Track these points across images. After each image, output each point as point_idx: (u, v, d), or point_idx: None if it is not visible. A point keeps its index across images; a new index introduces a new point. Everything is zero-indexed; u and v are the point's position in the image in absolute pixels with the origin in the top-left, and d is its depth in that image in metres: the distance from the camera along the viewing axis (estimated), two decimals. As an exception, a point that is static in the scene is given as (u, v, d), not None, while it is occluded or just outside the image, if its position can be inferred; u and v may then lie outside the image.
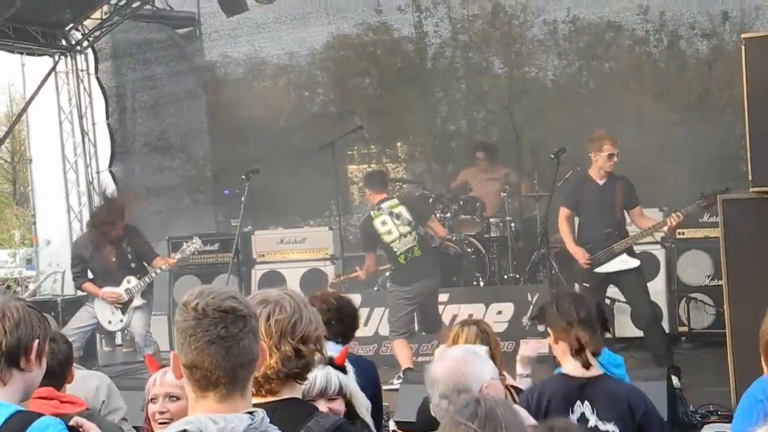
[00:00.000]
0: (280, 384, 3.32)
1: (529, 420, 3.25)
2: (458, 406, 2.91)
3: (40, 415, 3.54)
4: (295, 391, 3.37)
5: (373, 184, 10.50)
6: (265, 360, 3.01)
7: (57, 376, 4.56)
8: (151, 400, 4.34)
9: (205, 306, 2.77)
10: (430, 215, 10.74)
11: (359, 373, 4.33)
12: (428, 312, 10.45)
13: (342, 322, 5.43)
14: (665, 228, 9.61)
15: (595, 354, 4.74)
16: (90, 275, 10.55)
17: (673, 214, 9.47)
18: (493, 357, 5.21)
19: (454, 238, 11.78)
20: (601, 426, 4.44)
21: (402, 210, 10.23)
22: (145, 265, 10.44)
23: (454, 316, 11.06)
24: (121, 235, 10.33)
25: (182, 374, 2.84)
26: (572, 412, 4.50)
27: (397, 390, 9.13)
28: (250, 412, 2.79)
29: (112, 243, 10.28)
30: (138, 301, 10.35)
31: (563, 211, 9.82)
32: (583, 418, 4.48)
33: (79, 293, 12.40)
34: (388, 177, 12.00)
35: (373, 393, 5.22)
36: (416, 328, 10.45)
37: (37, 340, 3.60)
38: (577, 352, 4.69)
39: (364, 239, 10.49)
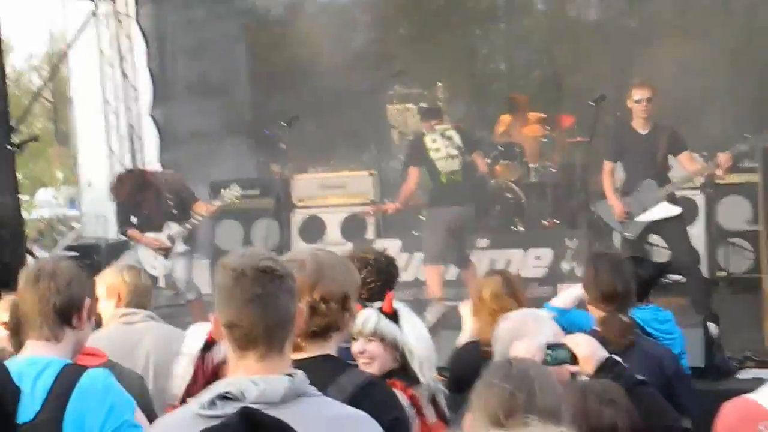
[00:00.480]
0: (307, 341, 3.38)
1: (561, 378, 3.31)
2: (491, 368, 2.97)
3: (87, 367, 3.67)
4: (327, 348, 3.43)
5: (428, 114, 10.84)
6: (302, 320, 3.09)
7: None
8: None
9: (244, 266, 2.87)
10: (476, 148, 10.80)
11: None
12: (457, 243, 10.53)
13: (379, 276, 5.42)
14: (718, 170, 9.44)
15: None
16: (133, 220, 10.59)
17: (720, 154, 9.33)
18: (520, 304, 5.31)
19: (493, 183, 11.81)
20: None
21: (454, 134, 10.48)
22: (187, 211, 10.45)
23: (493, 261, 11.12)
24: (160, 183, 10.35)
25: (222, 335, 2.93)
26: None
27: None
28: (290, 375, 2.87)
29: (151, 190, 10.31)
30: (180, 247, 10.40)
31: (606, 165, 9.77)
32: None
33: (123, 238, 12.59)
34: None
35: None
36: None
37: (88, 299, 3.73)
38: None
39: (411, 152, 10.74)
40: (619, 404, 2.96)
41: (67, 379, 3.59)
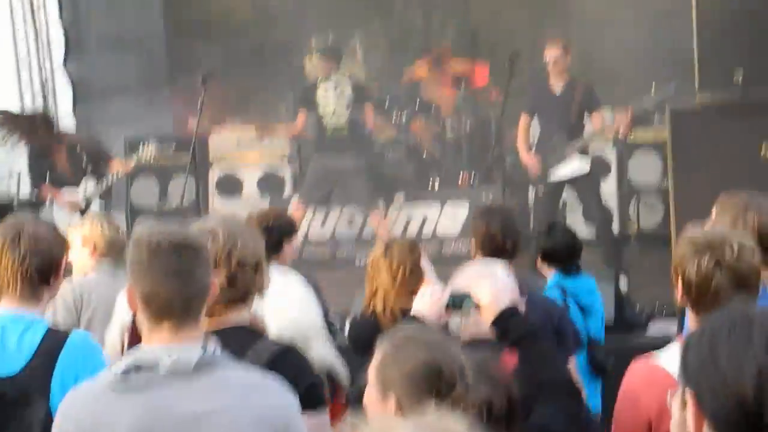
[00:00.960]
0: (225, 310, 3.46)
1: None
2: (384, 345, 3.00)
3: (67, 333, 3.76)
4: (242, 317, 3.51)
5: (327, 54, 10.98)
6: (215, 291, 3.14)
7: None
8: None
9: (160, 240, 2.93)
10: (369, 102, 10.97)
11: None
12: (351, 191, 10.81)
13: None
14: (620, 126, 9.63)
15: None
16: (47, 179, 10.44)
17: (620, 113, 9.55)
18: (393, 274, 5.35)
19: (409, 139, 11.88)
20: None
21: (347, 87, 10.65)
22: (102, 168, 10.32)
23: (409, 218, 11.23)
24: (74, 140, 10.23)
25: (137, 306, 2.97)
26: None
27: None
28: (203, 344, 2.94)
29: (64, 147, 10.17)
30: (96, 206, 10.30)
31: (523, 119, 9.91)
32: None
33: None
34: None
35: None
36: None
37: (64, 258, 3.83)
38: None
39: (302, 97, 11.02)
40: (495, 380, 3.00)
41: (55, 337, 3.71)
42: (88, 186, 10.19)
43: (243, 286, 3.48)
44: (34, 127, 10.17)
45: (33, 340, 3.65)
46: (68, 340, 3.69)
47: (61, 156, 10.14)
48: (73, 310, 5.63)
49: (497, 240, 5.14)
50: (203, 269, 2.98)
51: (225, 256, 3.43)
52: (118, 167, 10.28)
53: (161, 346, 2.92)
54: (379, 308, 5.27)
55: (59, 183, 10.25)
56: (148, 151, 10.31)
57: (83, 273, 5.85)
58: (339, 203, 11.09)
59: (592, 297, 6.04)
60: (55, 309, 5.52)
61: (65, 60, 14.62)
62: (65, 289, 5.50)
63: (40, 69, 14.37)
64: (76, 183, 10.21)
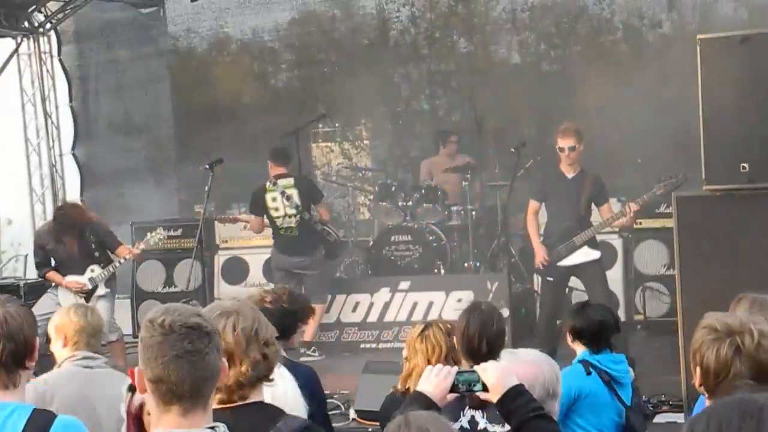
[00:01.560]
0: (250, 389, 3.46)
1: None
2: (389, 426, 2.98)
3: (54, 414, 3.68)
4: (261, 394, 3.51)
5: (276, 157, 11.20)
6: (226, 375, 3.13)
7: None
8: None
9: (172, 322, 2.89)
10: (319, 199, 11.33)
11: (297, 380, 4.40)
12: (311, 285, 10.96)
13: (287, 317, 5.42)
14: (624, 219, 9.68)
15: None
16: (53, 263, 10.48)
17: (629, 203, 9.59)
18: (429, 357, 5.33)
19: (415, 226, 11.91)
20: (490, 428, 4.53)
21: (294, 194, 11.02)
22: (109, 253, 10.38)
23: (415, 304, 11.22)
24: (84, 226, 10.26)
25: (146, 389, 2.94)
26: (462, 417, 4.56)
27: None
28: (212, 427, 2.90)
29: (74, 233, 10.22)
30: (102, 290, 10.29)
31: (532, 205, 9.92)
32: (473, 422, 4.55)
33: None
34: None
35: (316, 400, 5.31)
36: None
37: (37, 338, 3.74)
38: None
39: (253, 204, 11.26)
40: None
41: (39, 423, 3.59)
42: (95, 271, 10.20)
43: (269, 364, 3.50)
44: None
45: (17, 425, 3.55)
46: (55, 422, 3.60)
47: (71, 241, 10.16)
48: None
49: (473, 341, 5.11)
50: (215, 354, 2.95)
51: (254, 336, 3.45)
52: (125, 253, 10.31)
53: (169, 431, 2.90)
54: (413, 388, 5.25)
55: (66, 266, 10.26)
56: (156, 237, 10.34)
57: (58, 366, 5.61)
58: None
59: (622, 367, 6.04)
60: None
61: (74, 144, 14.74)
62: (27, 391, 5.44)
63: (50, 153, 14.48)
64: (84, 267, 10.22)
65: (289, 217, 10.95)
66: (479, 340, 5.09)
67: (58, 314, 5.74)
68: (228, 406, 3.39)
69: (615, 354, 6.07)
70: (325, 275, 11.29)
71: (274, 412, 3.47)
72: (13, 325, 3.64)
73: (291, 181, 11.02)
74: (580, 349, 5.99)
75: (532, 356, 4.12)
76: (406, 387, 5.33)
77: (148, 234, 10.39)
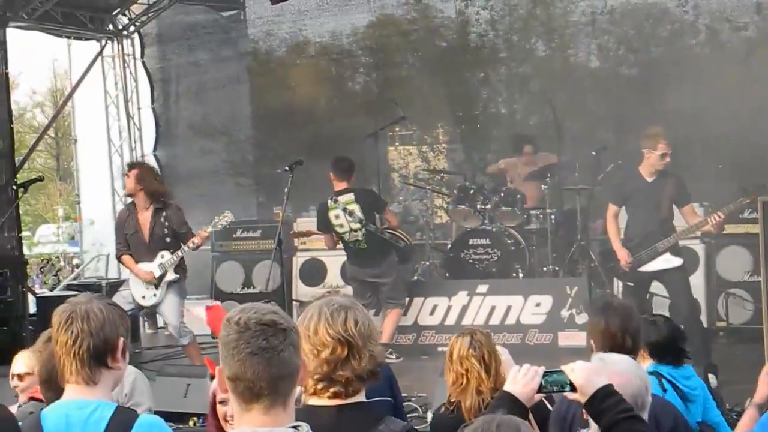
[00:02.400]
0: (363, 384, 3.47)
1: None
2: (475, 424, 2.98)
3: (137, 413, 3.70)
4: (363, 395, 3.50)
5: (336, 171, 11.13)
6: (306, 373, 3.14)
7: None
8: (221, 401, 4.42)
9: (247, 320, 2.91)
10: (384, 208, 11.27)
11: None
12: (387, 292, 11.09)
13: None
14: (707, 227, 9.52)
15: None
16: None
17: (713, 214, 9.41)
18: (487, 366, 5.28)
19: (494, 229, 11.87)
20: None
21: (355, 208, 10.96)
22: (181, 239, 10.26)
23: (493, 307, 11.16)
24: (161, 205, 10.25)
25: (227, 388, 2.96)
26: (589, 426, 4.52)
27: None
28: (295, 426, 2.91)
29: (151, 208, 10.19)
30: (171, 275, 10.22)
31: (611, 209, 9.80)
32: None
33: (123, 276, 12.58)
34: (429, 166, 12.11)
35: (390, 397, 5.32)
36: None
37: (122, 338, 3.74)
38: None
39: (319, 222, 11.25)
40: None
41: (122, 421, 3.61)
42: (164, 257, 10.22)
43: (378, 361, 3.50)
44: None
45: (100, 422, 3.56)
46: (138, 421, 3.61)
47: (144, 217, 10.21)
48: None
49: (617, 338, 5.00)
50: (291, 351, 2.95)
51: (369, 332, 3.47)
52: (194, 239, 10.24)
53: (252, 429, 2.89)
54: (468, 403, 5.20)
55: (135, 245, 10.28)
56: (223, 220, 10.31)
57: None
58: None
59: (692, 382, 5.90)
60: None
61: (155, 146, 14.92)
62: None
63: (132, 154, 14.65)
64: (154, 252, 10.24)
65: (354, 231, 10.94)
66: (622, 335, 4.95)
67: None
68: (332, 404, 3.40)
69: (684, 367, 5.93)
70: (399, 280, 11.27)
71: (376, 414, 3.48)
72: (94, 322, 3.66)
73: (351, 196, 10.99)
74: (647, 362, 5.83)
75: (623, 365, 4.00)
76: (456, 403, 5.29)
77: (216, 217, 10.33)
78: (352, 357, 3.39)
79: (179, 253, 10.14)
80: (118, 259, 10.69)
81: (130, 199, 10.55)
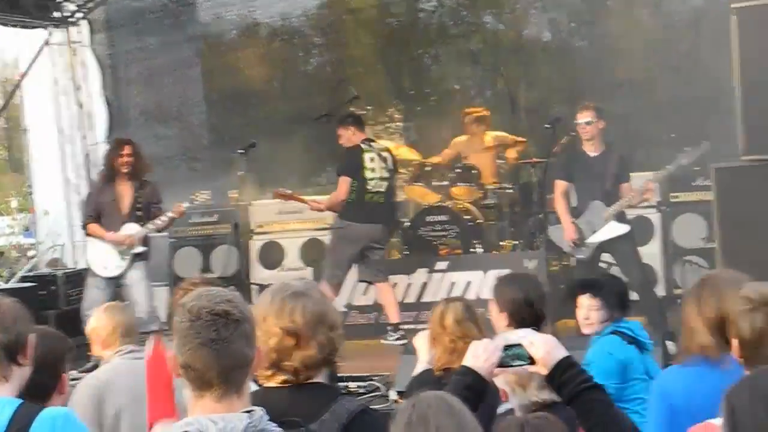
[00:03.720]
0: (316, 371, 3.46)
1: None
2: (396, 413, 2.99)
3: (43, 406, 3.66)
4: (322, 375, 3.50)
5: (357, 123, 10.87)
6: (260, 362, 3.13)
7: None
8: None
9: (200, 309, 2.89)
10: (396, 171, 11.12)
11: None
12: (377, 262, 10.73)
13: None
14: (645, 195, 9.63)
15: None
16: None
17: (646, 180, 9.57)
18: (480, 330, 5.34)
19: (450, 205, 11.88)
20: None
21: (388, 156, 10.79)
22: (153, 214, 10.32)
23: (453, 284, 11.18)
24: (138, 183, 10.25)
25: (179, 373, 2.94)
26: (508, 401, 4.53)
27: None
28: (249, 411, 2.88)
29: (132, 182, 10.22)
30: (139, 248, 10.21)
31: (558, 185, 9.92)
32: None
33: (78, 266, 12.47)
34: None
35: None
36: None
37: (31, 336, 3.73)
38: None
39: (348, 164, 10.68)
40: None
41: (24, 416, 3.58)
42: (133, 229, 10.16)
43: (335, 347, 3.49)
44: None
45: (1, 422, 3.52)
46: (40, 415, 3.56)
47: (121, 188, 10.15)
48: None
49: (522, 308, 5.10)
50: (243, 342, 2.92)
51: (322, 319, 3.45)
52: (168, 213, 10.21)
53: (206, 416, 2.86)
54: (439, 366, 5.25)
55: (108, 214, 10.25)
56: (200, 197, 10.30)
57: (107, 362, 5.71)
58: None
59: (646, 333, 6.05)
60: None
61: (108, 133, 14.78)
62: (81, 390, 5.48)
63: (83, 143, 14.51)
64: (120, 221, 10.19)
65: (382, 180, 10.66)
66: (527, 305, 5.10)
67: (93, 317, 5.82)
68: (285, 385, 3.40)
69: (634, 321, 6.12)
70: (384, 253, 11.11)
71: (331, 394, 3.46)
72: (6, 318, 3.64)
73: (387, 145, 10.87)
74: (593, 326, 6.00)
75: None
76: (446, 368, 5.31)
77: (192, 195, 10.33)
78: (299, 347, 3.38)
79: (150, 225, 10.12)
80: (84, 227, 10.54)
81: (83, 190, 10.48)
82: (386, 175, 10.70)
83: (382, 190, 10.70)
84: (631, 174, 9.85)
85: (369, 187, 10.58)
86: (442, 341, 5.34)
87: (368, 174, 10.57)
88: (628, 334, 5.92)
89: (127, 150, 10.32)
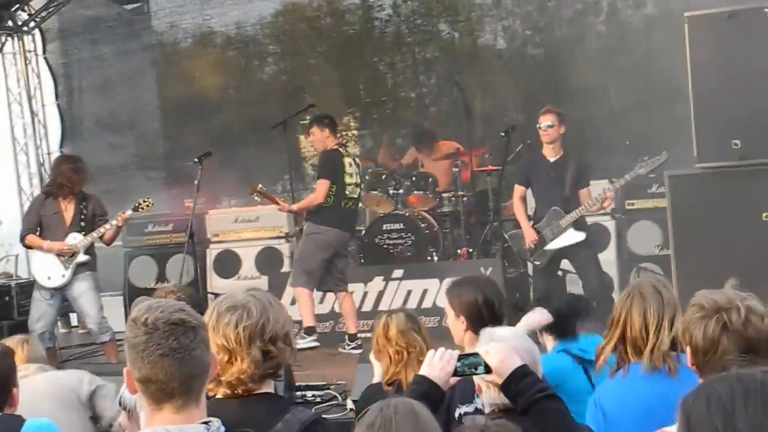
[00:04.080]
0: (255, 384, 3.42)
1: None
2: (363, 417, 2.97)
3: (22, 419, 3.63)
4: (270, 386, 3.47)
5: (332, 127, 10.62)
6: (216, 368, 3.09)
7: None
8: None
9: (155, 320, 2.84)
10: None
11: None
12: (342, 271, 10.60)
13: None
14: (605, 202, 9.68)
15: None
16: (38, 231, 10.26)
17: (605, 189, 9.60)
18: (424, 338, 5.33)
19: (407, 213, 11.88)
20: None
21: (360, 163, 10.81)
22: (98, 224, 10.18)
23: (409, 292, 11.18)
24: (81, 197, 10.15)
25: (136, 389, 2.90)
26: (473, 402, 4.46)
27: (307, 349, 9.64)
28: (206, 422, 2.86)
29: (75, 196, 10.12)
30: (82, 257, 10.09)
31: (517, 189, 9.96)
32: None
33: (33, 277, 12.34)
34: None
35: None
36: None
37: (15, 386, 3.69)
38: None
39: (329, 167, 10.40)
40: None
41: (8, 426, 3.55)
42: (76, 237, 10.07)
43: (275, 361, 3.44)
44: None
45: None
46: (25, 425, 3.57)
47: (69, 203, 10.09)
48: None
49: (480, 310, 4.92)
50: (202, 348, 2.90)
51: (257, 333, 3.39)
52: (112, 221, 10.14)
53: (163, 427, 2.84)
54: (412, 376, 5.21)
55: (51, 229, 10.13)
56: (144, 203, 10.24)
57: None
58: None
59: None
60: None
61: (61, 142, 14.68)
62: None
63: (37, 152, 14.41)
64: (65, 234, 10.10)
65: (357, 186, 10.55)
66: (485, 307, 4.94)
67: None
68: (236, 397, 3.37)
69: (592, 336, 5.96)
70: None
71: (282, 405, 3.45)
72: None
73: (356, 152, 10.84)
74: (549, 341, 5.85)
75: (511, 341, 3.96)
76: (395, 381, 5.30)
77: (138, 202, 10.26)
78: (231, 363, 3.35)
79: (94, 234, 10.04)
80: (23, 239, 10.42)
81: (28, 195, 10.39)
82: (359, 182, 10.66)
83: (356, 196, 10.63)
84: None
85: (347, 193, 10.43)
86: (387, 353, 5.33)
87: (347, 179, 10.42)
88: (576, 354, 5.84)
89: (69, 165, 10.29)
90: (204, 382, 2.92)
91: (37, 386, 5.52)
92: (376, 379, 5.57)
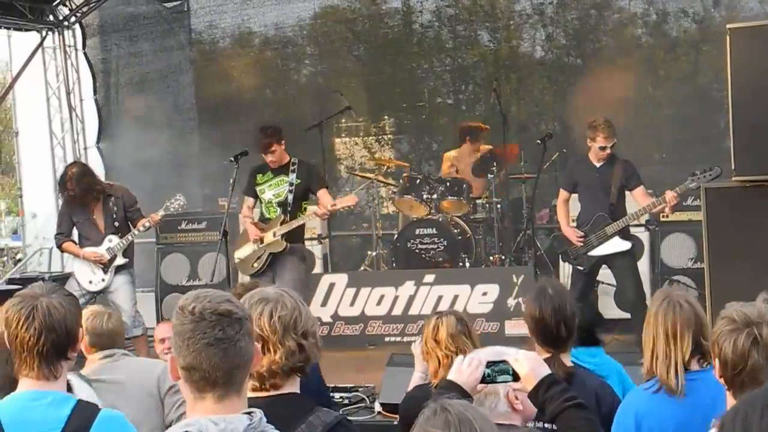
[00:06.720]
0: (283, 378, 3.41)
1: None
2: (426, 415, 2.93)
3: (98, 407, 3.65)
4: (296, 386, 3.46)
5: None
6: (259, 360, 3.12)
7: None
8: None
9: (203, 309, 2.86)
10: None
11: None
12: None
13: None
14: (665, 206, 9.46)
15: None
16: (75, 237, 10.44)
17: (668, 191, 9.38)
18: (474, 343, 5.29)
19: (440, 218, 11.87)
20: None
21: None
22: (129, 226, 10.32)
23: (440, 297, 11.16)
24: (105, 196, 10.23)
25: (179, 376, 2.92)
26: None
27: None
28: (249, 413, 2.87)
29: (97, 199, 10.20)
30: (120, 260, 10.23)
31: (562, 194, 9.92)
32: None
33: (67, 269, 12.44)
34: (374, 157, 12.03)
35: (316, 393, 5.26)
36: None
37: (80, 328, 3.72)
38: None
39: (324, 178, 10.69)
40: None
41: (83, 416, 3.56)
42: (113, 241, 10.16)
43: (306, 355, 3.44)
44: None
45: (60, 414, 3.52)
46: (99, 416, 3.58)
47: (97, 207, 10.13)
48: None
49: (550, 327, 4.78)
50: (247, 340, 2.92)
51: (291, 325, 3.40)
52: (143, 222, 10.23)
53: (206, 417, 2.84)
54: (435, 381, 5.19)
55: (85, 233, 10.27)
56: (176, 203, 10.32)
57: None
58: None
59: (599, 359, 5.81)
60: None
61: (98, 138, 14.77)
62: None
63: (74, 146, 14.50)
64: (102, 239, 10.20)
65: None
66: (556, 324, 4.80)
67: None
68: (261, 395, 3.36)
69: (604, 356, 5.87)
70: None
71: (307, 405, 3.43)
72: (56, 317, 3.61)
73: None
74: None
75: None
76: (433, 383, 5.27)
77: (167, 201, 10.34)
78: (265, 352, 3.33)
79: (129, 237, 10.14)
80: (59, 247, 10.56)
81: None
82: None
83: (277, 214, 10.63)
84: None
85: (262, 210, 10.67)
86: (436, 355, 5.30)
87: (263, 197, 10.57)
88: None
89: (73, 170, 10.35)
90: (247, 373, 2.94)
91: (128, 370, 5.62)
92: (416, 377, 5.56)
